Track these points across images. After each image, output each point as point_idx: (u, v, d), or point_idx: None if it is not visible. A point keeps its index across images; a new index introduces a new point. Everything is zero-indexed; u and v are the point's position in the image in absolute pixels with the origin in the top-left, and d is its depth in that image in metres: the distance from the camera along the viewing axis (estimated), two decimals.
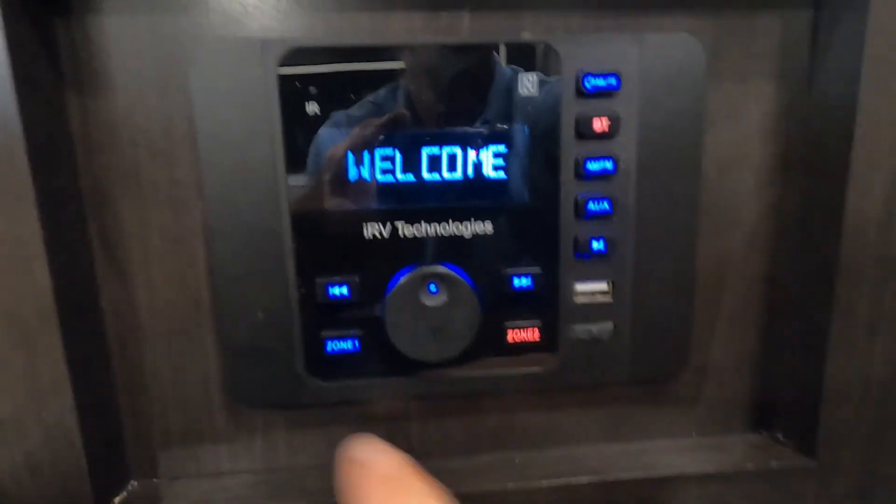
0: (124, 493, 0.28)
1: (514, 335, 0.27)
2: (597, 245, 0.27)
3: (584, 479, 0.28)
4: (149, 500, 0.28)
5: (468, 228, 0.26)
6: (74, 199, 0.25)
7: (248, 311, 0.26)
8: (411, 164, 0.25)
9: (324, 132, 0.25)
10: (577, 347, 0.28)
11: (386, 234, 0.26)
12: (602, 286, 0.28)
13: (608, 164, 0.26)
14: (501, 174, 0.26)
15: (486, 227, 0.26)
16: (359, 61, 0.24)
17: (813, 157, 0.27)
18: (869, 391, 0.27)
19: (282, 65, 0.24)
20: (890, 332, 0.27)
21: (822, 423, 0.28)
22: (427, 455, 0.30)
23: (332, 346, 0.26)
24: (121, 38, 0.24)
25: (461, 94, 0.25)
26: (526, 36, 0.26)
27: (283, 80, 0.24)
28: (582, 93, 0.25)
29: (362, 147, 0.25)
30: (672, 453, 0.30)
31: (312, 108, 0.25)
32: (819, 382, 0.27)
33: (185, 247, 0.27)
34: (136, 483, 0.29)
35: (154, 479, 0.29)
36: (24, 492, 0.25)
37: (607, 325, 0.28)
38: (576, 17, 0.26)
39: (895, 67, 0.24)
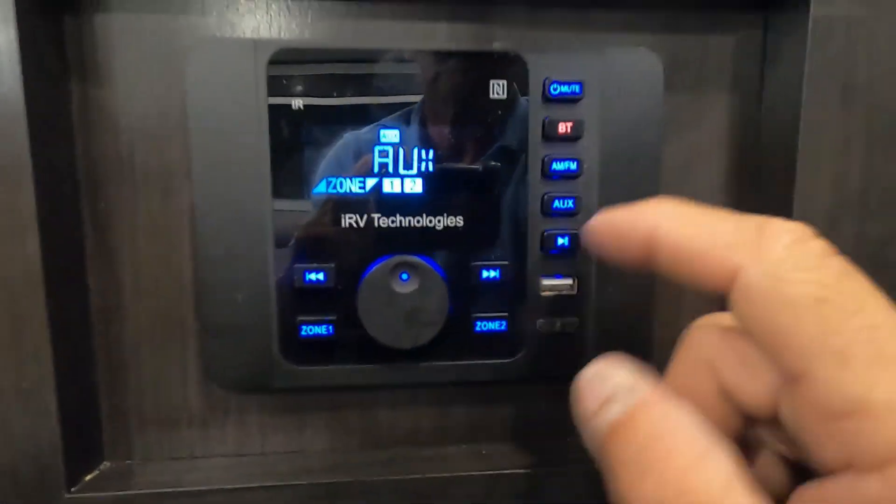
0: (97, 472, 0.28)
1: (481, 326, 0.28)
2: (562, 241, 0.28)
3: (544, 470, 0.29)
4: (120, 480, 0.28)
5: (440, 222, 0.28)
6: (70, 178, 0.27)
7: (228, 293, 0.27)
8: (387, 160, 0.27)
9: (307, 127, 0.27)
10: (543, 340, 0.29)
11: (362, 224, 0.27)
12: (567, 281, 0.29)
13: (572, 165, 0.28)
14: (472, 171, 0.28)
15: (457, 221, 0.28)
16: (342, 63, 0.26)
17: (763, 164, 0.29)
18: None
19: (272, 63, 0.26)
20: None
21: None
22: (396, 443, 0.31)
23: (306, 330, 0.28)
24: (123, 34, 0.27)
25: (437, 97, 0.27)
26: (497, 45, 0.28)
27: (273, 77, 0.26)
28: (548, 98, 0.27)
29: (343, 147, 0.27)
30: None
31: (297, 104, 0.27)
32: None
33: (171, 230, 0.28)
34: (108, 463, 0.29)
35: (127, 461, 0.29)
36: None
37: (572, 319, 0.29)
38: (543, 31, 0.29)
39: (833, 80, 0.26)
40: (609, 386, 0.17)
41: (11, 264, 0.24)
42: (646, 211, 0.18)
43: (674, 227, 0.17)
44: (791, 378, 0.15)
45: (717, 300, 0.31)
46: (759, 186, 0.30)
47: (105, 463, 0.29)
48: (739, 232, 0.16)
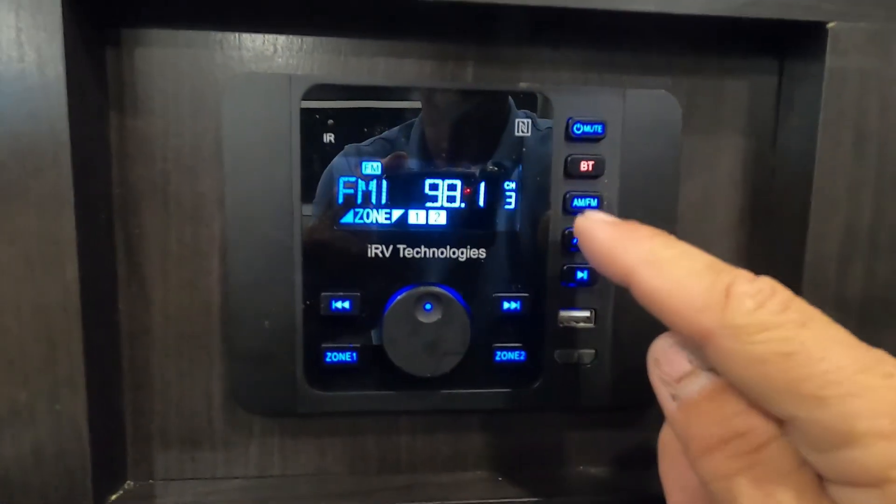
0: (120, 492, 0.29)
1: (501, 356, 0.29)
2: (581, 275, 0.29)
3: (559, 500, 0.30)
4: (143, 500, 0.29)
5: (464, 254, 0.29)
6: (106, 206, 0.27)
7: (256, 319, 0.28)
8: (415, 193, 0.28)
9: (338, 161, 0.28)
10: (561, 371, 0.30)
11: (388, 254, 0.28)
12: (585, 314, 0.30)
13: (593, 202, 0.29)
14: (496, 206, 0.29)
15: (480, 254, 0.29)
16: (373, 99, 0.27)
17: (777, 204, 0.30)
18: None
19: (305, 98, 0.27)
20: None
21: None
22: (414, 468, 0.31)
23: (331, 357, 0.28)
24: (162, 68, 0.28)
25: (463, 133, 0.28)
26: (523, 85, 0.29)
27: (305, 112, 0.27)
28: (570, 137, 0.28)
29: (371, 178, 0.28)
30: (653, 480, 0.32)
31: (329, 138, 0.27)
32: None
33: (201, 257, 0.29)
34: (132, 483, 0.30)
35: (150, 481, 0.30)
36: (28, 481, 0.26)
37: (589, 351, 0.30)
38: (566, 72, 0.30)
39: (846, 128, 0.27)
40: (690, 359, 0.18)
41: (51, 291, 0.25)
42: (625, 249, 0.19)
43: (648, 276, 0.18)
44: (779, 420, 0.16)
45: None
46: (772, 225, 0.31)
47: (128, 482, 0.30)
48: (708, 295, 0.17)
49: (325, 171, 0.28)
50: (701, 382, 0.18)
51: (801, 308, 0.16)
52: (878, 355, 0.16)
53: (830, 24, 0.27)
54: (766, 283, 0.17)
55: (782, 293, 0.17)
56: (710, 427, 0.17)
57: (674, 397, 0.19)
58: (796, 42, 0.29)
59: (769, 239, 0.31)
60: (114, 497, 0.28)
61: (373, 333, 0.28)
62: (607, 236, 0.20)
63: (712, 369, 0.18)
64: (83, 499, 0.26)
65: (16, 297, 0.25)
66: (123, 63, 0.27)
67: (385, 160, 0.28)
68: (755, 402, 0.17)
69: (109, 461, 0.28)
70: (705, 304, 0.17)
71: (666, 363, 0.19)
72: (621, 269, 0.19)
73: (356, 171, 0.28)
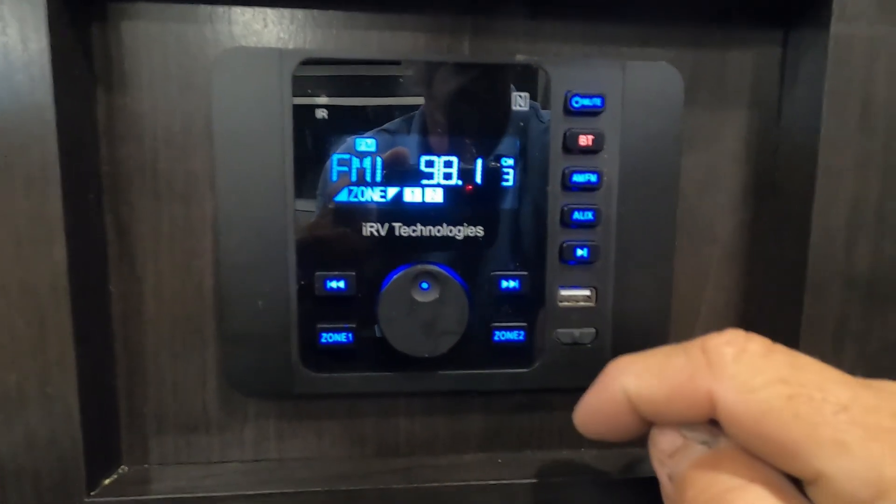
0: (115, 476, 0.28)
1: (500, 335, 0.29)
2: (580, 252, 0.28)
3: (560, 482, 0.29)
4: (138, 485, 0.28)
5: (461, 232, 0.28)
6: (95, 185, 0.27)
7: (250, 300, 0.27)
8: (409, 170, 0.27)
9: (330, 136, 0.27)
10: (560, 350, 0.29)
11: (383, 233, 0.28)
12: (585, 292, 0.29)
13: (592, 178, 0.28)
14: (494, 183, 0.28)
15: (477, 232, 0.28)
16: (365, 72, 0.27)
17: (782, 179, 0.30)
18: None
19: (296, 72, 0.26)
20: (854, 345, 0.28)
21: None
22: (412, 451, 0.31)
23: (326, 337, 0.28)
24: (150, 43, 0.27)
25: (459, 108, 0.27)
26: (520, 58, 0.28)
27: (297, 86, 0.26)
28: (569, 111, 0.28)
29: (365, 154, 0.27)
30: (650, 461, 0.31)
31: (321, 113, 0.27)
32: None
33: (193, 237, 0.28)
34: (126, 467, 0.29)
35: (145, 465, 0.30)
36: (20, 464, 0.25)
37: (589, 330, 0.29)
38: (565, 45, 0.29)
39: (852, 98, 0.27)
40: (684, 434, 0.18)
41: (38, 271, 0.24)
42: (608, 380, 0.20)
43: (637, 382, 0.19)
44: (808, 481, 0.15)
45: (733, 312, 0.31)
46: (776, 201, 0.30)
47: (123, 467, 0.29)
48: (691, 360, 0.17)
49: (318, 147, 0.27)
50: (693, 455, 0.18)
51: (783, 349, 0.17)
52: (877, 390, 0.15)
53: None
54: (737, 332, 0.17)
55: (758, 338, 0.17)
56: (713, 495, 0.16)
57: (669, 477, 0.18)
58: (801, 10, 0.28)
59: (774, 215, 0.30)
60: (108, 481, 0.28)
61: (369, 313, 0.28)
62: (592, 391, 0.21)
63: (706, 442, 0.18)
64: (76, 483, 0.26)
65: (3, 276, 0.24)
66: (110, 38, 0.27)
67: (385, 155, 0.27)
68: (777, 464, 0.16)
69: (103, 445, 0.28)
70: (693, 367, 0.17)
71: (661, 440, 0.19)
72: (616, 398, 0.20)
73: (350, 147, 0.27)
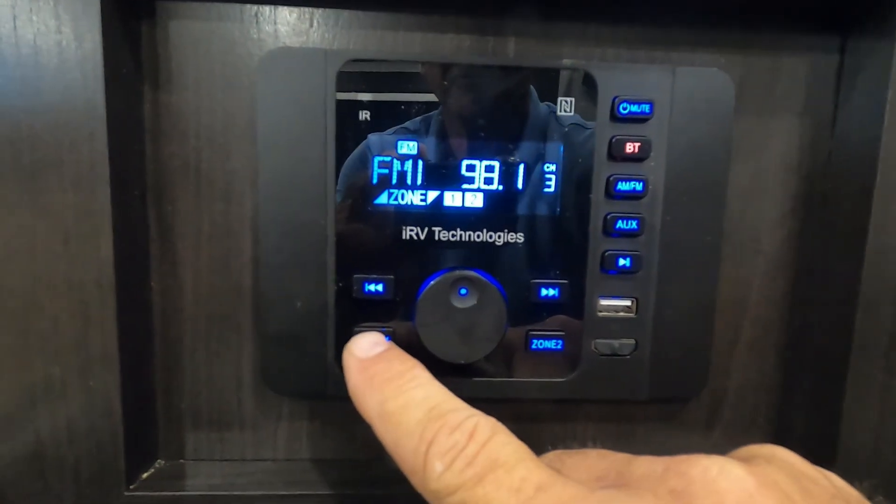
0: (152, 471, 0.29)
1: (538, 344, 0.28)
2: (622, 262, 0.28)
3: None
4: (174, 479, 0.29)
5: (500, 238, 0.28)
6: (140, 182, 0.27)
7: (288, 300, 0.27)
8: (451, 174, 0.27)
9: (373, 138, 0.27)
10: (598, 361, 0.29)
11: (423, 237, 0.27)
12: (626, 303, 0.29)
13: (638, 186, 0.27)
14: (535, 189, 0.27)
15: (517, 238, 0.28)
16: (410, 74, 0.26)
17: (835, 192, 0.29)
18: (886, 419, 0.28)
19: (341, 73, 0.26)
20: None
21: (839, 450, 0.28)
22: None
23: None
24: (196, 42, 0.27)
25: (503, 112, 0.27)
26: (567, 62, 0.27)
27: (341, 86, 0.26)
28: (616, 117, 0.27)
29: (406, 157, 0.27)
30: None
31: (364, 115, 0.27)
32: (837, 410, 0.28)
33: (233, 236, 0.28)
34: (162, 462, 0.30)
35: (180, 460, 0.30)
36: (61, 457, 0.26)
37: (629, 341, 0.29)
38: (611, 49, 0.28)
39: None
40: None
41: (85, 267, 0.24)
42: (363, 400, 0.21)
43: (379, 432, 0.20)
44: None
45: (778, 327, 0.30)
46: (827, 214, 0.29)
47: (159, 461, 0.30)
48: (413, 458, 0.18)
49: (361, 150, 0.27)
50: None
51: (486, 459, 0.17)
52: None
53: None
54: (465, 434, 0.18)
55: (475, 443, 0.17)
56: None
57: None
58: (862, 18, 0.27)
59: (824, 228, 0.29)
60: (145, 475, 0.28)
61: (406, 317, 0.28)
62: (352, 383, 0.22)
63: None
64: (115, 476, 0.26)
65: (50, 272, 0.24)
66: (157, 37, 0.27)
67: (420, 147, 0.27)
68: None
69: (141, 439, 0.28)
70: (412, 468, 0.18)
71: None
72: (367, 420, 0.21)
73: (391, 150, 0.27)
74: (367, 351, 0.22)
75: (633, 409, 0.31)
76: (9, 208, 0.24)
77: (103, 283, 0.25)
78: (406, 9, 0.27)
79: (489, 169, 0.27)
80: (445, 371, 0.28)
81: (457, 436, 0.18)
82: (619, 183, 0.27)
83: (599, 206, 0.28)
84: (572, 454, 0.19)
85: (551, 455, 0.19)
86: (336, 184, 0.27)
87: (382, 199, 0.27)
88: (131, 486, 0.27)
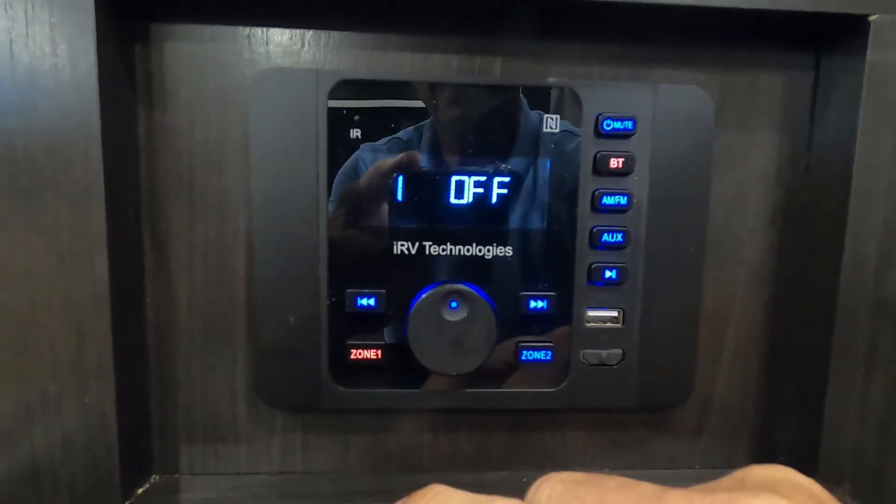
0: (147, 486, 0.29)
1: (527, 355, 0.29)
2: (609, 274, 0.29)
3: None
4: (169, 494, 0.29)
5: (490, 252, 0.28)
6: (134, 200, 0.27)
7: (281, 315, 0.28)
8: (440, 190, 0.28)
9: (364, 156, 0.27)
10: (587, 371, 0.29)
11: (413, 251, 0.28)
12: (613, 313, 0.29)
13: (622, 200, 0.28)
14: (523, 204, 0.28)
15: (506, 252, 0.28)
16: (400, 95, 0.27)
17: (813, 203, 0.30)
18: (867, 425, 0.28)
19: (332, 93, 0.27)
20: (886, 370, 0.28)
21: (822, 455, 0.28)
22: (436, 467, 0.31)
23: (355, 353, 0.28)
24: (189, 63, 0.28)
25: (490, 129, 0.28)
26: (552, 80, 0.28)
27: (332, 107, 0.27)
28: (600, 133, 0.28)
29: (395, 173, 0.28)
30: (675, 482, 0.31)
31: (355, 133, 0.27)
32: (819, 416, 0.28)
33: (226, 251, 0.29)
34: (157, 477, 0.30)
35: (175, 475, 0.30)
36: (57, 473, 0.26)
37: (616, 351, 0.29)
38: (595, 67, 0.29)
39: (887, 126, 0.26)
40: None
41: (80, 284, 0.25)
42: None
43: None
44: None
45: (760, 335, 0.31)
46: (806, 225, 0.30)
47: (154, 476, 0.30)
48: None
49: (352, 167, 0.27)
50: None
51: None
52: None
53: (873, 17, 0.26)
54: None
55: None
56: None
57: None
58: (835, 35, 0.28)
59: (803, 239, 0.30)
60: (140, 491, 0.29)
61: (398, 331, 0.28)
62: None
63: None
64: (111, 492, 0.27)
65: (46, 290, 0.25)
66: (152, 57, 0.27)
67: (396, 159, 0.27)
68: None
69: (136, 455, 0.28)
70: None
71: None
72: None
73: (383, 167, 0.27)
74: None
75: (621, 418, 0.32)
76: (5, 227, 0.24)
77: (98, 300, 0.25)
78: (395, 30, 0.28)
79: (478, 185, 0.28)
80: (437, 382, 0.28)
81: None
82: (605, 197, 0.28)
83: (586, 220, 0.28)
84: (584, 482, 0.17)
85: (560, 488, 0.17)
86: (328, 200, 0.27)
87: (374, 214, 0.28)
88: (127, 502, 0.27)
